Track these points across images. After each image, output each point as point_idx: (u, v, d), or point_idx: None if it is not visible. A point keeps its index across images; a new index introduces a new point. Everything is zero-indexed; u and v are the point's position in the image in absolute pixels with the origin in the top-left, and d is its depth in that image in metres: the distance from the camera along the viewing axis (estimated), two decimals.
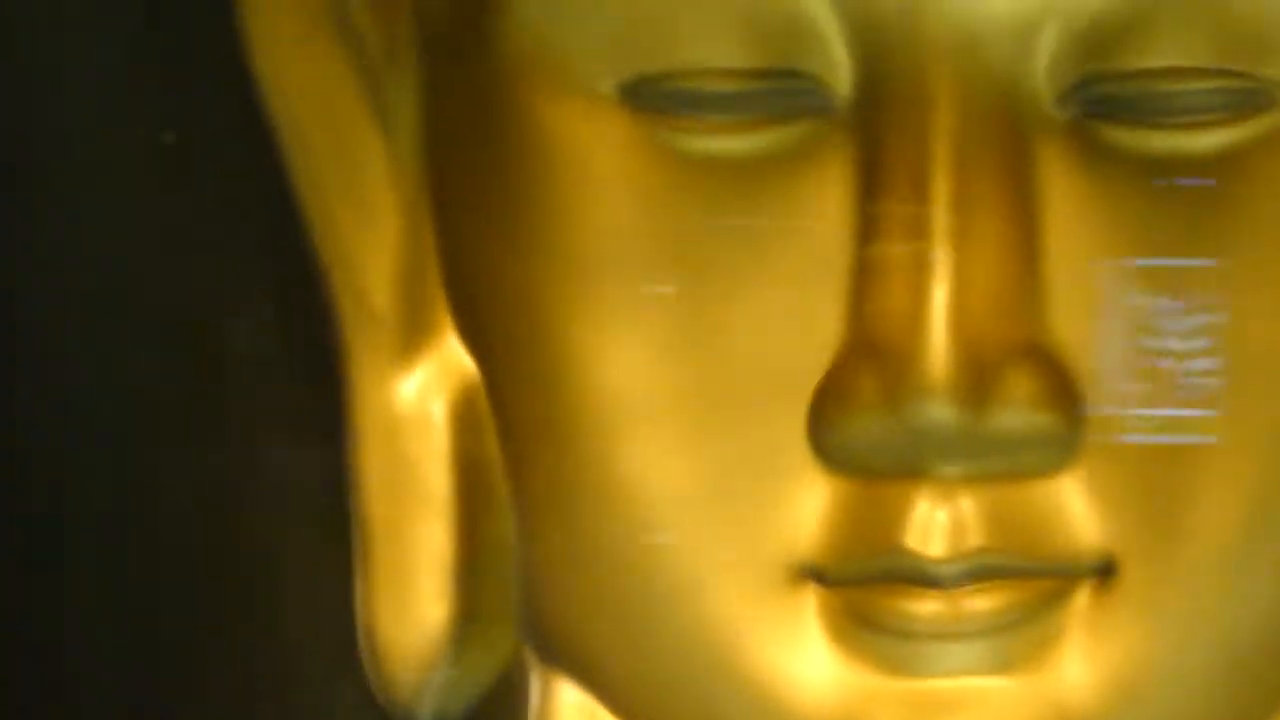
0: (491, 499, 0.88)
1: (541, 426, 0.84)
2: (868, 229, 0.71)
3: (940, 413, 0.67)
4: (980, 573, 0.71)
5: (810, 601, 0.74)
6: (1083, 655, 0.72)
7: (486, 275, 0.85)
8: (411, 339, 0.90)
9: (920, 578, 0.70)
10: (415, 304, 0.89)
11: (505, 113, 0.82)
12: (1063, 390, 0.70)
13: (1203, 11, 0.71)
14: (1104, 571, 0.72)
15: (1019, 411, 0.68)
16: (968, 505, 0.70)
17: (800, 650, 0.75)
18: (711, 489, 0.74)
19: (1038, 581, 0.72)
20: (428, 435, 0.89)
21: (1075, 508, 0.71)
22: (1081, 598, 0.72)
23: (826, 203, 0.72)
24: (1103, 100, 0.70)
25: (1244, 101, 0.70)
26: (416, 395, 0.89)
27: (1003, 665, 0.72)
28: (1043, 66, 0.70)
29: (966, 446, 0.69)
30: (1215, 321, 0.73)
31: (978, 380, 0.68)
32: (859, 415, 0.70)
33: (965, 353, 0.68)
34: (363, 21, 0.90)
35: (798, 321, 0.73)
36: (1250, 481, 0.73)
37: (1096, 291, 0.72)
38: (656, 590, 0.76)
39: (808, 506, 0.73)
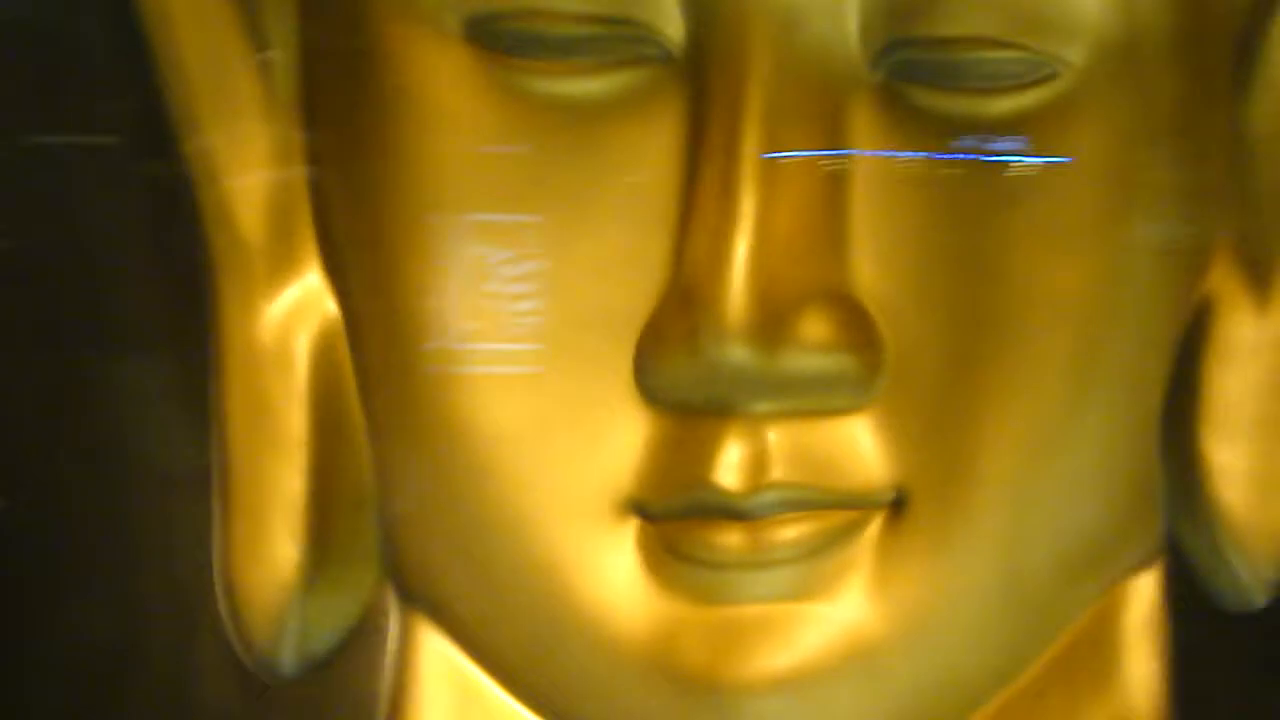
0: (350, 440, 0.91)
1: (389, 367, 0.88)
2: (689, 178, 0.76)
3: (736, 353, 0.73)
4: (781, 505, 0.77)
5: (631, 534, 0.79)
6: (877, 583, 0.78)
7: (345, 210, 0.89)
8: (277, 270, 0.92)
9: (726, 511, 0.76)
10: (282, 235, 0.92)
11: (365, 46, 0.85)
12: (859, 334, 0.76)
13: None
14: (896, 504, 0.78)
15: (813, 353, 0.74)
16: (772, 441, 0.76)
17: (619, 581, 0.80)
18: (542, 427, 0.79)
19: (835, 513, 0.78)
20: (288, 373, 0.92)
21: (870, 444, 0.78)
22: (875, 529, 0.78)
23: (659, 150, 0.78)
24: (908, 65, 0.77)
25: (1029, 71, 0.78)
26: (279, 330, 0.92)
27: (803, 592, 0.78)
28: (854, 30, 0.76)
29: (765, 385, 0.75)
30: (1000, 270, 0.79)
31: (774, 323, 0.74)
32: (671, 356, 0.75)
33: (763, 297, 0.74)
34: None
35: (630, 265, 0.78)
36: (1032, 424, 0.79)
37: (900, 242, 0.78)
38: (493, 525, 0.81)
39: (633, 444, 0.78)
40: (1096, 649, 0.86)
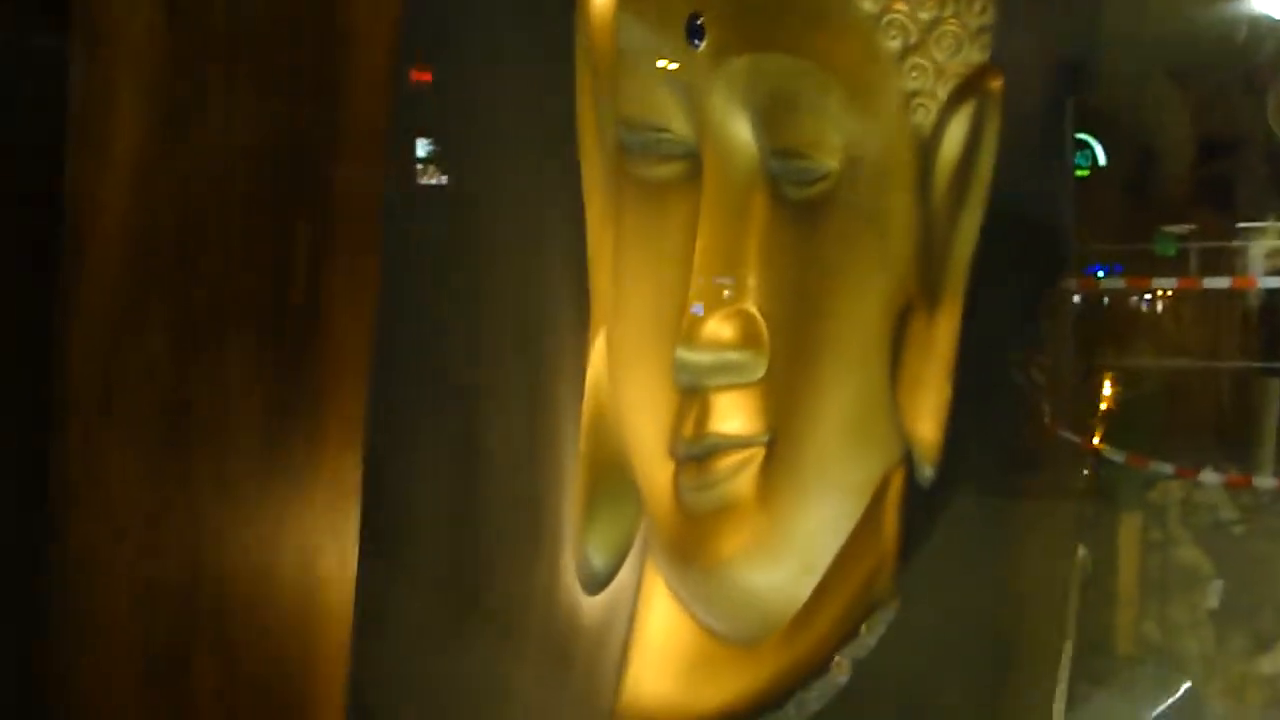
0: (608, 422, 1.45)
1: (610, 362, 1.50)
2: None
3: (690, 354, 1.28)
4: (714, 449, 1.32)
5: (670, 469, 1.34)
6: (763, 494, 1.35)
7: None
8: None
9: (692, 457, 1.32)
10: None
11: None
12: (752, 337, 1.32)
13: (788, 127, 1.36)
14: (770, 443, 1.35)
15: (725, 350, 1.30)
16: (710, 405, 1.31)
17: (670, 497, 1.34)
18: (644, 398, 1.31)
19: (742, 451, 1.34)
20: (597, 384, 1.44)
21: (758, 406, 1.34)
22: (759, 459, 1.35)
23: (690, 215, 1.32)
24: (776, 168, 1.34)
25: (816, 171, 1.36)
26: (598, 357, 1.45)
27: (730, 502, 1.34)
28: (759, 145, 1.33)
29: (706, 373, 1.30)
30: (814, 292, 1.37)
31: (709, 333, 1.29)
32: (676, 357, 1.29)
33: (705, 318, 1.29)
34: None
35: (680, 291, 1.32)
36: (829, 386, 1.38)
37: (773, 275, 1.35)
38: (631, 455, 1.34)
39: (672, 412, 1.33)
40: (870, 519, 1.47)
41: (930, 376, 1.42)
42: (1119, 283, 4.09)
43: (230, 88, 1.95)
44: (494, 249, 1.73)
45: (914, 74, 1.34)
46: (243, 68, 1.97)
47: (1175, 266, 4.08)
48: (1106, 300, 4.12)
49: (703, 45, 1.34)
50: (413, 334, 1.83)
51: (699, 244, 1.34)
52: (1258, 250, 4.14)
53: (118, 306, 2.05)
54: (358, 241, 1.98)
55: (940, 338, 1.41)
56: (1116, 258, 3.97)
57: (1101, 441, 3.86)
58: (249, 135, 1.98)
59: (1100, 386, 4.08)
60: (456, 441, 1.79)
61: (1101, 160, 3.22)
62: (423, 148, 1.86)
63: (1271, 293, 4.08)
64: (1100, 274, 3.98)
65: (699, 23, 1.34)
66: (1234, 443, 4.05)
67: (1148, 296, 4.18)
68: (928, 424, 1.42)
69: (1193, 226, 4.12)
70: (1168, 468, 3.87)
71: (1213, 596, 3.67)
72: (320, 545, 2.01)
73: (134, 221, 2.01)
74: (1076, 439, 3.90)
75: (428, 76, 1.83)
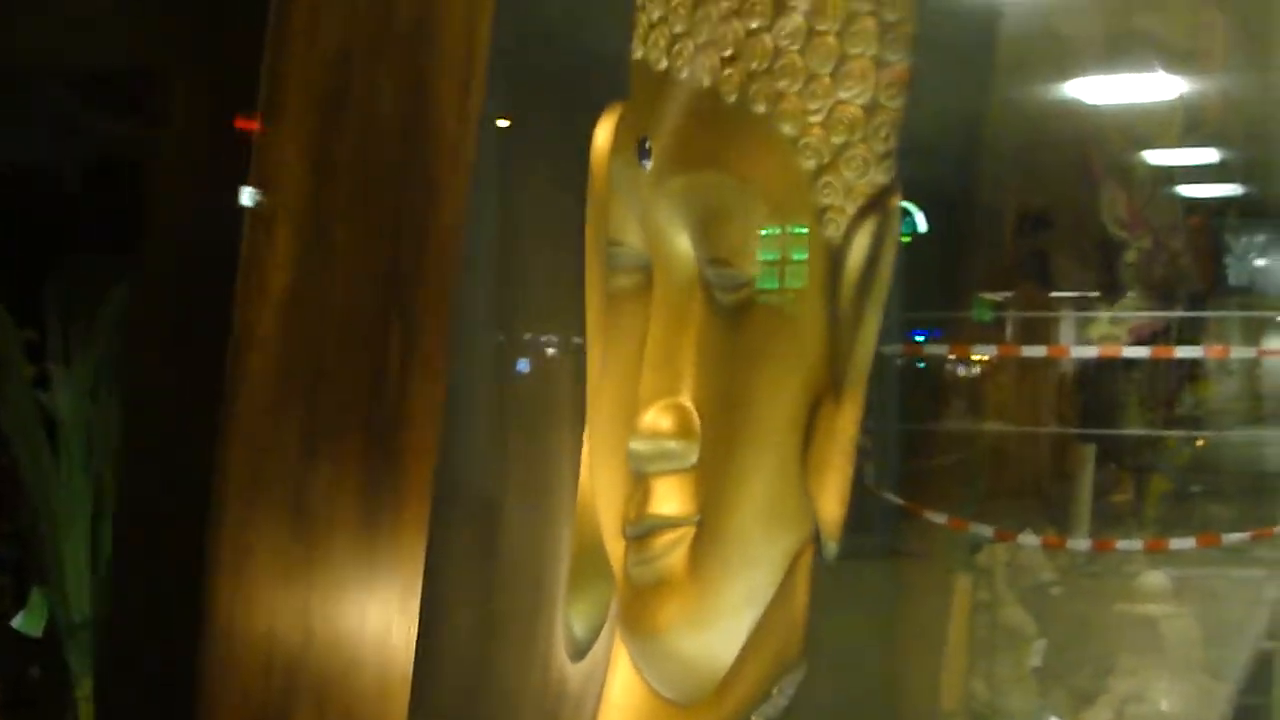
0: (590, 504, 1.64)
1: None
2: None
3: (635, 444, 1.46)
4: (653, 529, 1.51)
5: (623, 546, 1.52)
6: (693, 568, 1.54)
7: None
8: None
9: (632, 536, 1.50)
10: None
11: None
12: (685, 428, 1.52)
13: (718, 238, 1.56)
14: (700, 523, 1.54)
15: (661, 439, 1.49)
16: (651, 490, 1.50)
17: (623, 562, 1.52)
18: (610, 484, 1.48)
19: (676, 530, 1.53)
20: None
21: (691, 488, 1.53)
22: (690, 538, 1.54)
23: (645, 320, 1.50)
24: (710, 275, 1.53)
25: (740, 278, 1.55)
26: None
27: (665, 576, 1.52)
28: (697, 257, 1.51)
29: (647, 460, 1.48)
30: (736, 385, 1.57)
31: (650, 424, 1.47)
32: (628, 447, 1.48)
33: (646, 412, 1.47)
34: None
35: (635, 387, 1.49)
36: (748, 471, 1.58)
37: (705, 370, 1.54)
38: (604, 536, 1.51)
39: (626, 495, 1.51)
40: (784, 590, 1.66)
41: (835, 461, 1.62)
42: (941, 348, 4.34)
43: (351, 231, 2.25)
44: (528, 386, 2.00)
45: (826, 191, 1.54)
46: (359, 212, 2.28)
47: (993, 333, 4.36)
48: (927, 365, 4.37)
49: (649, 165, 1.53)
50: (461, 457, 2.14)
51: (647, 344, 1.54)
52: (1071, 321, 4.45)
53: (265, 421, 2.54)
54: (432, 368, 2.28)
55: (844, 426, 1.61)
56: (937, 323, 4.22)
57: (924, 504, 4.11)
58: (361, 270, 2.30)
59: (923, 450, 4.33)
60: (485, 541, 2.04)
61: (922, 227, 3.41)
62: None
63: (1085, 361, 4.37)
64: (921, 338, 4.22)
65: (646, 145, 1.53)
66: (1052, 505, 4.33)
67: (971, 362, 4.43)
68: (833, 504, 1.62)
69: (1011, 294, 4.40)
70: (988, 530, 4.11)
71: (1036, 655, 3.93)
72: (393, 620, 2.31)
73: (279, 349, 2.34)
74: (900, 502, 4.15)
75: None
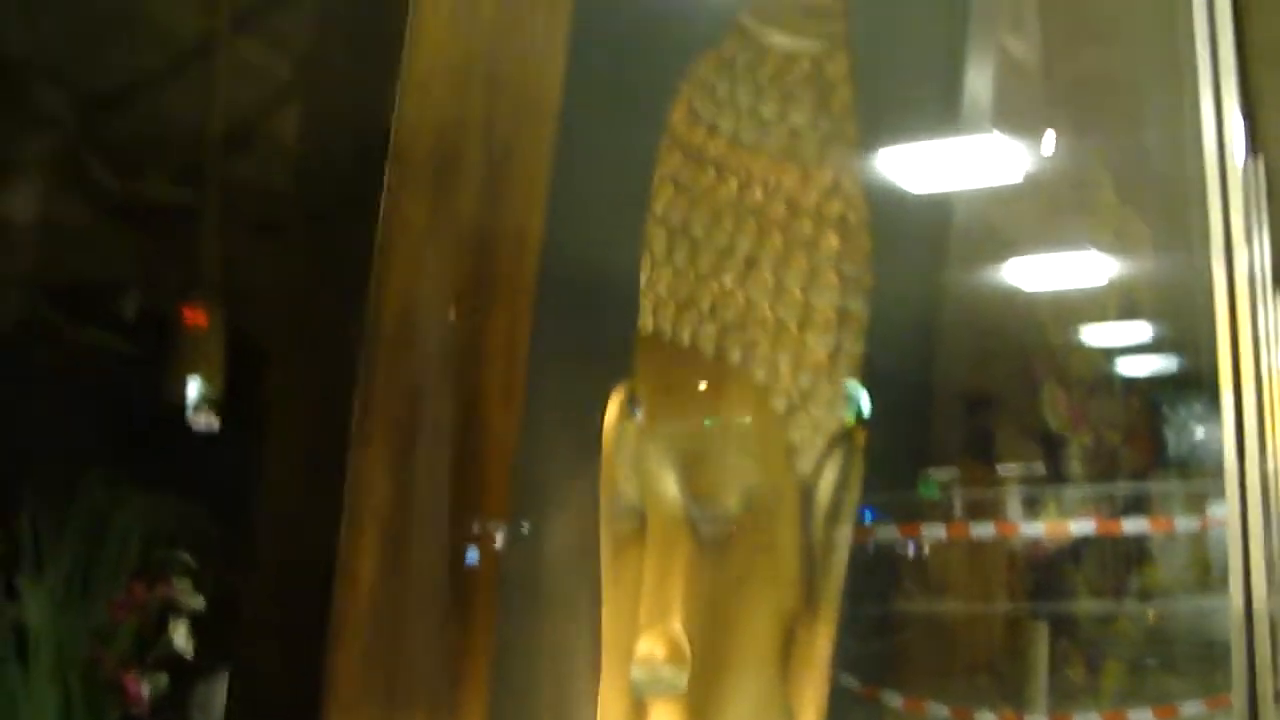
0: None
1: None
2: None
3: (634, 673, 1.62)
4: None
5: None
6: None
7: None
8: None
9: None
10: None
11: None
12: (677, 654, 1.68)
13: (700, 477, 1.74)
14: None
15: (656, 665, 1.65)
16: (647, 710, 1.66)
17: None
18: (616, 711, 1.65)
19: None
20: None
21: (683, 707, 1.70)
22: None
23: (641, 559, 1.69)
24: (694, 512, 1.71)
25: (721, 514, 1.72)
26: None
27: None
28: (682, 495, 1.69)
29: (645, 688, 1.64)
30: (728, 612, 1.73)
31: (645, 652, 1.64)
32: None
33: (642, 640, 1.64)
34: None
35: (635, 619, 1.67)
36: (740, 677, 1.74)
37: (698, 601, 1.71)
38: None
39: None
40: None
41: (813, 675, 1.79)
42: (892, 530, 4.45)
43: (412, 481, 2.43)
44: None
45: (796, 430, 1.73)
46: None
47: (942, 511, 4.48)
48: (876, 546, 4.47)
49: (639, 415, 1.71)
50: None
51: (644, 576, 1.71)
52: (1018, 498, 4.60)
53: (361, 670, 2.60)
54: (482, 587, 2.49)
55: (820, 642, 1.78)
56: (884, 504, 4.34)
57: (879, 686, 4.20)
58: (423, 513, 2.49)
59: (875, 631, 4.43)
60: None
61: (866, 409, 3.56)
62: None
63: (1034, 539, 4.50)
64: (869, 517, 4.34)
65: (636, 398, 1.72)
66: (1007, 682, 4.42)
67: (921, 540, 4.53)
68: (810, 714, 1.78)
69: (957, 472, 4.54)
70: (944, 709, 4.20)
71: None
72: None
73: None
74: (855, 684, 4.25)
75: None
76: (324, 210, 2.53)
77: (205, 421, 3.28)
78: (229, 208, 3.23)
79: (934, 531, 4.49)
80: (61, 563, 3.95)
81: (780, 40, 1.75)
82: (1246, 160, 2.62)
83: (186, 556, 3.20)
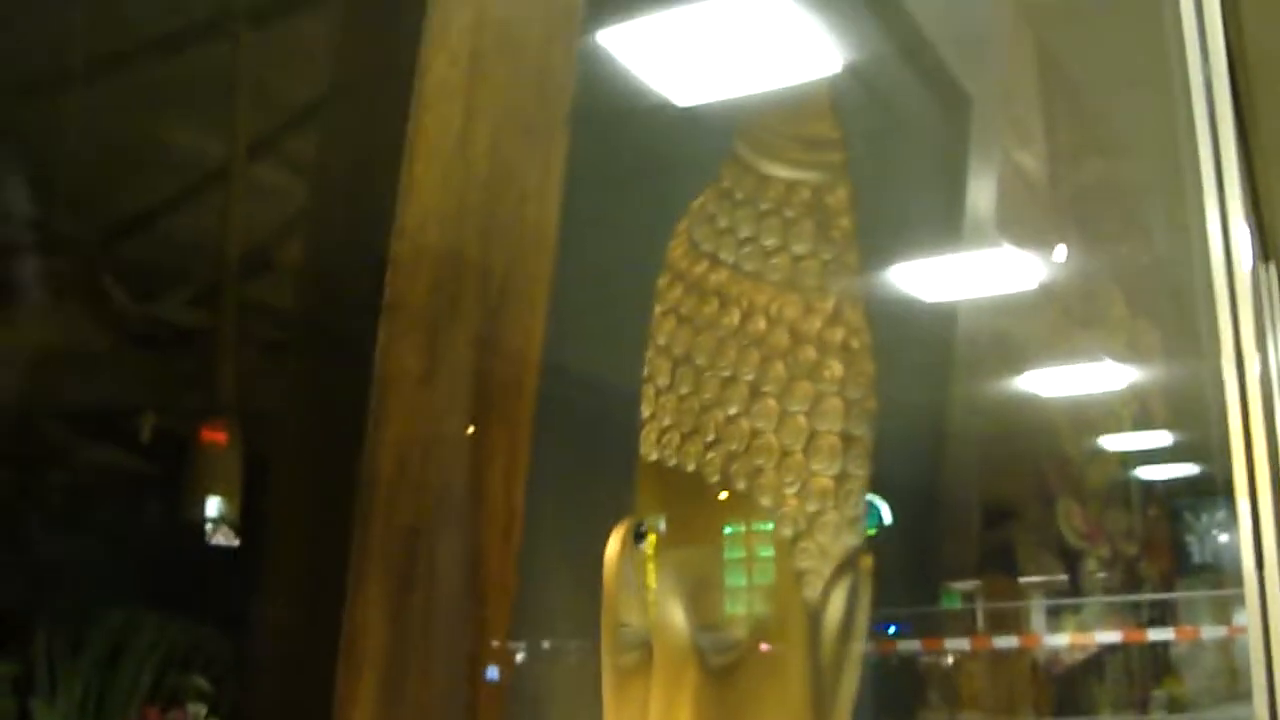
0: None
1: None
2: None
3: None
4: None
5: None
6: None
7: None
8: None
9: None
10: None
11: None
12: None
13: (707, 606, 1.75)
14: None
15: None
16: None
17: None
18: None
19: None
20: None
21: None
22: None
23: (647, 690, 1.71)
24: (702, 640, 1.72)
25: (729, 642, 1.74)
26: None
27: None
28: (690, 625, 1.71)
29: None
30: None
31: None
32: None
33: None
34: None
35: None
36: None
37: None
38: None
39: None
40: None
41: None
42: (913, 643, 4.45)
43: (410, 623, 2.47)
44: None
45: (803, 556, 1.75)
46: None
47: (961, 622, 4.47)
48: (899, 659, 4.47)
49: (644, 545, 1.74)
50: None
51: (650, 707, 1.73)
52: (1041, 610, 4.60)
53: None
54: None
55: None
56: (907, 616, 4.34)
57: None
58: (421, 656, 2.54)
59: None
60: None
61: (887, 519, 3.57)
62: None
63: (1057, 650, 4.50)
64: (892, 630, 4.33)
65: (642, 529, 1.74)
66: None
67: (944, 653, 4.53)
68: None
69: (978, 583, 4.54)
70: None
71: None
72: None
73: None
74: None
75: None
76: (329, 339, 2.57)
77: (223, 540, 3.32)
78: (244, 328, 3.29)
79: (957, 644, 4.49)
80: (75, 687, 3.96)
81: (780, 172, 1.79)
82: (1256, 266, 2.64)
83: (202, 681, 3.22)
